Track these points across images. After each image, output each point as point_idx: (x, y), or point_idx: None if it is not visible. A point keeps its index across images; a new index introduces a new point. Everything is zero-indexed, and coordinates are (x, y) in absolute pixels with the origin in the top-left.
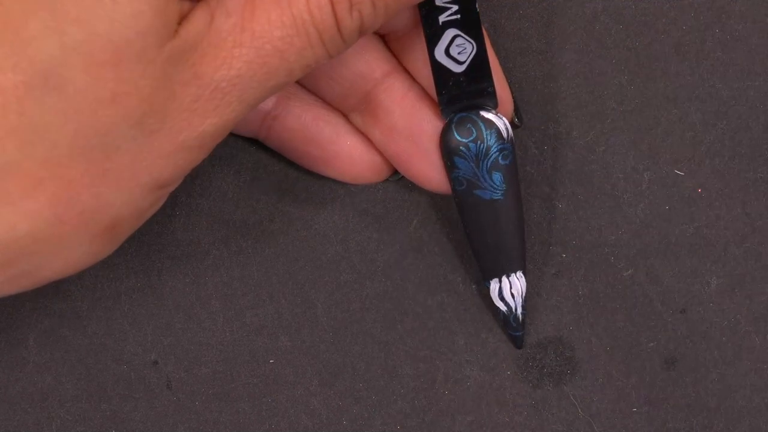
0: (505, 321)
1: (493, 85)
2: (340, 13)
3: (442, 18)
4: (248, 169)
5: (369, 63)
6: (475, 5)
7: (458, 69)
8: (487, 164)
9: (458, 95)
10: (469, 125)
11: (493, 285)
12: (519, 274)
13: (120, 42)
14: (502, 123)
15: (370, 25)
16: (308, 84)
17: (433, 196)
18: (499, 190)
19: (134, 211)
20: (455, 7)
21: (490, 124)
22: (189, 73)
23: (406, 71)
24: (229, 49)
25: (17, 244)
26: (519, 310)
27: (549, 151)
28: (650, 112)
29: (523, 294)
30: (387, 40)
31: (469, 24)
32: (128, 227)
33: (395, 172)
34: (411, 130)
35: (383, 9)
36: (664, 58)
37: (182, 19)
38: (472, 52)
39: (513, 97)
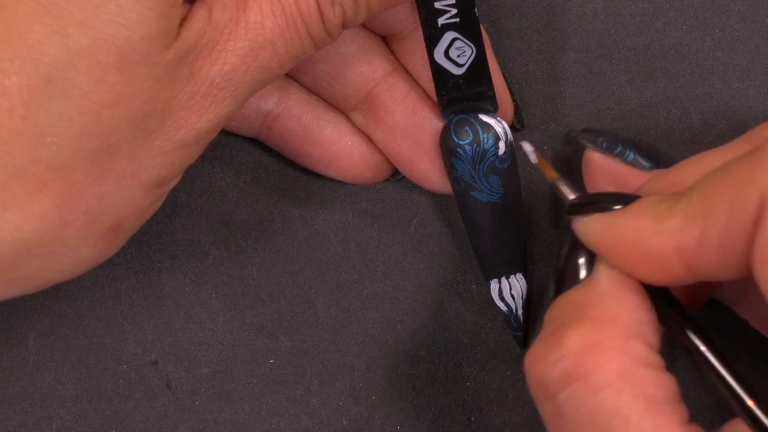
0: (507, 321)
1: (492, 89)
2: (323, 7)
3: (441, 20)
4: (248, 169)
5: (370, 63)
6: (474, 9)
7: (458, 71)
8: (483, 167)
9: (457, 97)
10: (466, 127)
11: (493, 285)
12: (519, 275)
13: (125, 46)
14: (500, 127)
15: (353, 20)
16: (309, 84)
17: (433, 196)
18: (497, 193)
19: (136, 210)
20: (454, 11)
21: (487, 127)
22: (187, 71)
23: (407, 72)
24: (224, 43)
25: (23, 246)
26: (519, 311)
27: (549, 151)
28: (650, 112)
29: (524, 296)
30: (388, 41)
31: (468, 27)
32: (131, 226)
33: (396, 172)
34: (412, 130)
35: (365, 6)
36: (664, 58)
37: (183, 20)
38: (471, 55)
39: (514, 100)
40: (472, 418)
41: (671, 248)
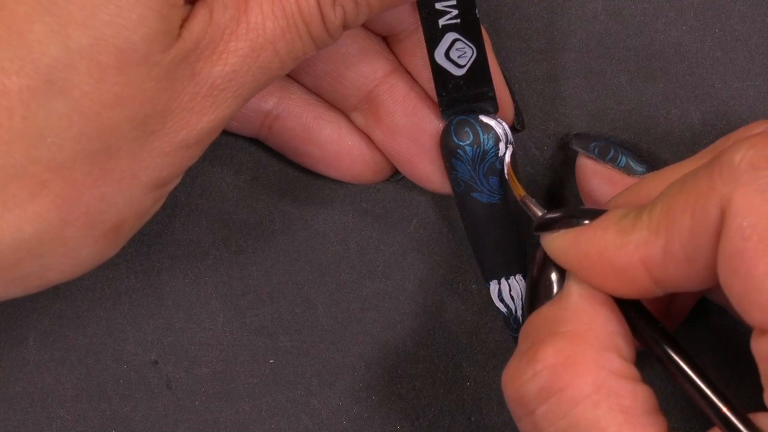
0: (506, 322)
1: (493, 90)
2: (324, 7)
3: (441, 21)
4: (248, 169)
5: (371, 63)
6: (474, 10)
7: (458, 72)
8: (483, 168)
9: (458, 98)
10: (467, 128)
11: (493, 286)
12: (518, 277)
13: (125, 46)
14: (501, 128)
15: (353, 21)
16: (309, 83)
17: (433, 196)
18: (497, 194)
19: (136, 210)
20: (455, 12)
21: (488, 128)
22: (188, 72)
23: (408, 72)
24: (225, 43)
25: (24, 246)
26: (519, 312)
27: (549, 151)
28: (650, 112)
29: (523, 297)
30: (389, 42)
31: (469, 28)
32: (131, 227)
33: (396, 172)
34: (412, 130)
35: (366, 7)
36: (664, 58)
37: (184, 20)
38: (472, 56)
39: (514, 101)
40: (472, 418)
41: (636, 261)
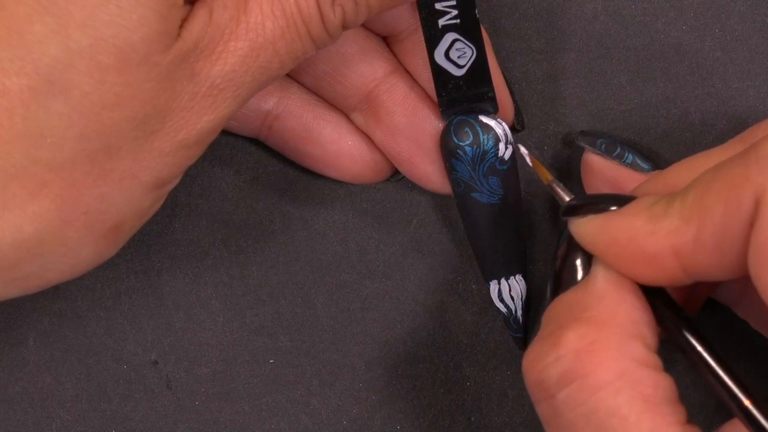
0: (506, 322)
1: (493, 90)
2: (323, 7)
3: (441, 21)
4: (248, 169)
5: (371, 63)
6: (474, 11)
7: (458, 72)
8: (483, 168)
9: (458, 98)
10: (466, 129)
11: (493, 286)
12: (519, 277)
13: (125, 46)
14: (501, 128)
15: (353, 21)
16: (309, 83)
17: (433, 196)
18: (497, 194)
19: (136, 210)
20: (455, 12)
21: (487, 128)
22: (188, 72)
23: (408, 72)
24: (225, 43)
25: (24, 246)
26: (519, 312)
27: (549, 151)
28: (650, 112)
29: (523, 297)
30: (389, 42)
31: (469, 29)
32: (131, 227)
33: (396, 172)
34: (412, 130)
35: (365, 7)
36: (664, 58)
37: (184, 21)
38: (472, 56)
39: (514, 101)
40: (472, 418)
41: (667, 248)
